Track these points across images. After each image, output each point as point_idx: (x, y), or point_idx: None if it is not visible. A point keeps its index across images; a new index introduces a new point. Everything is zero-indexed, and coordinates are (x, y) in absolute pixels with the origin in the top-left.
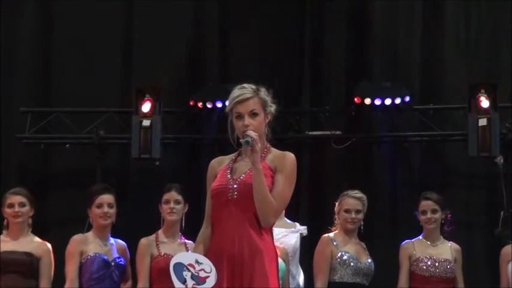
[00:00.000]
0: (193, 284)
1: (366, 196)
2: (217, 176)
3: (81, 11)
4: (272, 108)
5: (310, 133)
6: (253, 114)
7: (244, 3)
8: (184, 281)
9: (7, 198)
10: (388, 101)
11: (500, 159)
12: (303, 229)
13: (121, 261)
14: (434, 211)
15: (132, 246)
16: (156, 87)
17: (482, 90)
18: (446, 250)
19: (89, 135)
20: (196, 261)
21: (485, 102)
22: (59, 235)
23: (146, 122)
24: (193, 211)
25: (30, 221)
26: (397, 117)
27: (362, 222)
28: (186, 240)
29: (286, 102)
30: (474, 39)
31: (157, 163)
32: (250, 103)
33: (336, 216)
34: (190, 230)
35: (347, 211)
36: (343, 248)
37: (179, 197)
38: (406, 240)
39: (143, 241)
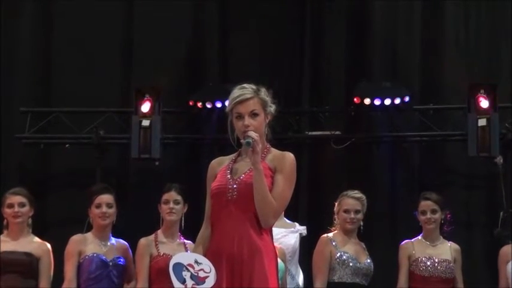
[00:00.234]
0: (193, 284)
1: (365, 196)
2: (217, 176)
3: (81, 11)
4: (272, 108)
5: (310, 133)
6: (254, 115)
7: (244, 3)
8: (183, 281)
9: (7, 198)
10: (387, 101)
11: (499, 160)
12: (302, 229)
13: (120, 261)
14: (433, 211)
15: (132, 246)
16: (155, 87)
17: (482, 91)
18: (446, 250)
19: (88, 135)
20: (196, 261)
21: (484, 103)
22: (58, 235)
23: (146, 122)
24: (193, 211)
25: (30, 221)
26: (397, 117)
27: (361, 223)
28: (186, 241)
29: (286, 102)
30: (474, 39)
31: (156, 163)
32: (250, 103)
33: (335, 217)
34: (189, 230)
35: (346, 211)
36: (342, 248)
37: (178, 197)
38: (406, 240)
39: (142, 241)
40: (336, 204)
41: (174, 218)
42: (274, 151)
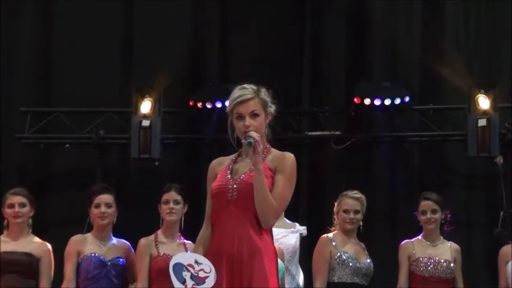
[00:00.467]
0: (193, 284)
1: (365, 196)
2: (217, 176)
3: (81, 11)
4: (272, 108)
5: (310, 133)
6: (254, 115)
7: (244, 3)
8: (183, 281)
9: (7, 199)
10: (387, 101)
11: (500, 160)
12: (302, 229)
13: (120, 261)
14: (434, 211)
15: (132, 247)
16: (155, 87)
17: (482, 91)
18: (446, 250)
19: (88, 135)
20: (196, 262)
21: (484, 103)
22: (58, 235)
23: (146, 122)
24: (193, 211)
25: (30, 221)
26: (397, 117)
27: (361, 223)
28: (186, 241)
29: (286, 102)
30: (474, 39)
31: (156, 163)
32: (251, 104)
33: (335, 217)
34: (189, 230)
35: (346, 211)
36: (342, 248)
37: (178, 197)
38: (406, 240)
39: (142, 241)
40: (336, 204)
41: (174, 218)
42: (275, 151)
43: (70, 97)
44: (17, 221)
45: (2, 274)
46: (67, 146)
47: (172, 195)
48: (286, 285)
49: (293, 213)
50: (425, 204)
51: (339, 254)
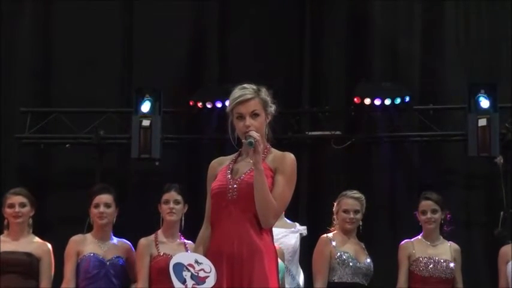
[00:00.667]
0: (193, 284)
1: (365, 196)
2: (218, 176)
3: (81, 11)
4: (272, 108)
5: (310, 133)
6: (255, 115)
7: (244, 3)
8: (184, 281)
9: (7, 199)
10: (387, 101)
11: (500, 160)
12: (302, 229)
13: (119, 260)
14: (434, 211)
15: (132, 246)
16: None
17: (482, 91)
18: (446, 250)
19: (88, 135)
20: (196, 261)
21: (485, 103)
22: (59, 235)
23: (146, 122)
24: (193, 211)
25: (30, 221)
26: (397, 117)
27: (361, 223)
28: (186, 240)
29: (286, 102)
30: (474, 39)
31: (157, 163)
32: (251, 104)
33: (335, 217)
34: (189, 230)
35: (345, 211)
36: (341, 248)
37: (179, 197)
38: (406, 240)
39: (142, 241)
40: (335, 204)
41: (174, 218)
42: (275, 151)
43: (70, 97)
44: (17, 221)
45: (2, 274)
46: (67, 146)
47: (173, 195)
48: (287, 285)
49: (293, 213)
50: (426, 204)
51: (339, 253)
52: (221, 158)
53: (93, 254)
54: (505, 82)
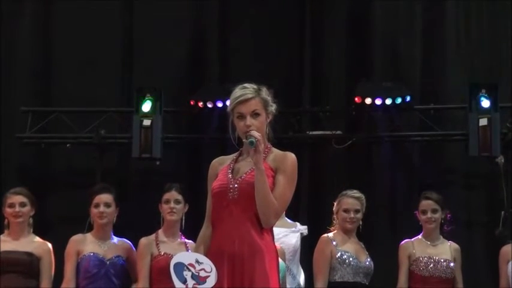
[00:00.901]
0: (194, 284)
1: (365, 196)
2: (218, 175)
3: (81, 11)
4: (273, 108)
5: (311, 133)
6: (255, 115)
7: (244, 3)
8: (184, 281)
9: (8, 198)
10: (388, 101)
11: (501, 159)
12: (303, 229)
13: (119, 260)
14: (434, 211)
15: (133, 246)
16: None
17: (483, 90)
18: (446, 250)
19: (89, 134)
20: (197, 261)
21: (485, 102)
22: (59, 235)
23: (147, 122)
24: (193, 211)
25: (31, 220)
26: (398, 117)
27: (361, 222)
28: (186, 240)
29: (286, 101)
30: (474, 39)
31: (157, 163)
32: (252, 103)
33: (335, 216)
34: (190, 229)
35: (346, 211)
36: (342, 247)
37: (179, 197)
38: (406, 240)
39: (143, 241)
40: (335, 203)
41: (174, 217)
42: (276, 151)
43: (71, 97)
44: (17, 221)
45: (2, 274)
46: (68, 145)
47: (173, 194)
48: (287, 285)
49: (294, 213)
50: (426, 204)
51: (339, 253)
52: (222, 157)
53: (93, 253)
54: (505, 82)
